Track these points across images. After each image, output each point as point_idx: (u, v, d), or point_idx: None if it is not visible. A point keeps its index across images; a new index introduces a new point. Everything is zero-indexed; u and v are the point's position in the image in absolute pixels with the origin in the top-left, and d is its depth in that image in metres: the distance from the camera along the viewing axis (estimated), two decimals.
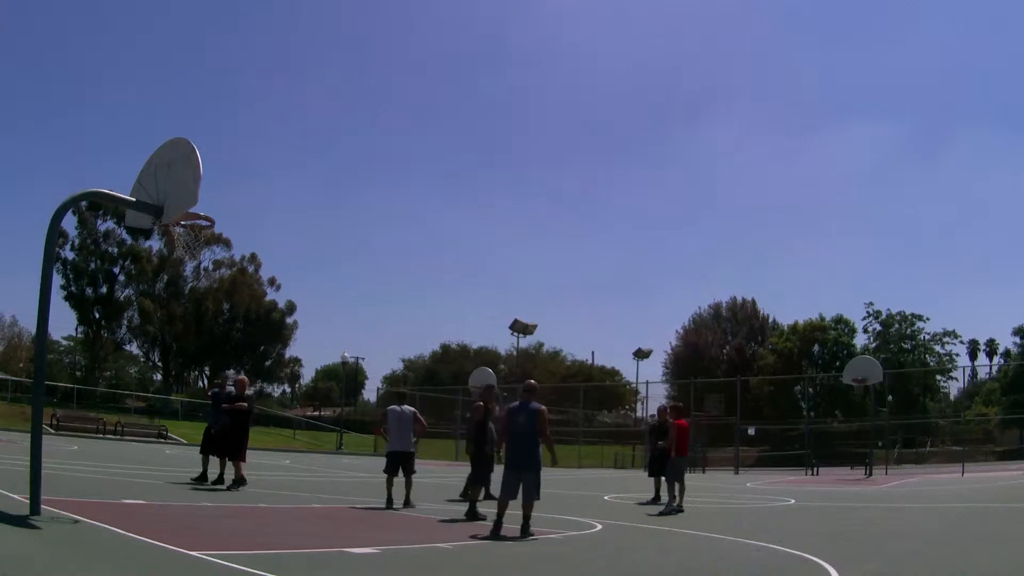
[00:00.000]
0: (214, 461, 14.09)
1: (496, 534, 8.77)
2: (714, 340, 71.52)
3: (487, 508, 12.56)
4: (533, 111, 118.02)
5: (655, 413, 18.24)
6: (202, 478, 13.77)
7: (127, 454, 22.41)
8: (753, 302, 73.24)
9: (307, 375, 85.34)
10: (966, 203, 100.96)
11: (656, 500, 15.26)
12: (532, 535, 8.89)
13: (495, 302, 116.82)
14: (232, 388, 14.55)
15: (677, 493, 13.25)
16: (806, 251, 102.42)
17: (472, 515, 10.64)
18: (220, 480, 13.65)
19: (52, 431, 31.58)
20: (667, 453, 13.76)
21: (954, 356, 62.05)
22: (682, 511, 12.71)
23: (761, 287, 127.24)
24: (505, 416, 9.63)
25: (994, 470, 31.19)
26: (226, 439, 13.63)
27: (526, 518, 9.02)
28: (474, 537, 8.78)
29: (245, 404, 13.78)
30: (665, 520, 11.69)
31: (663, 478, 15.53)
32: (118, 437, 34.49)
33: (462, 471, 25.60)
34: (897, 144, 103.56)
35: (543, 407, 9.48)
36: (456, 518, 10.93)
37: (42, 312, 8.74)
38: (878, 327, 63.38)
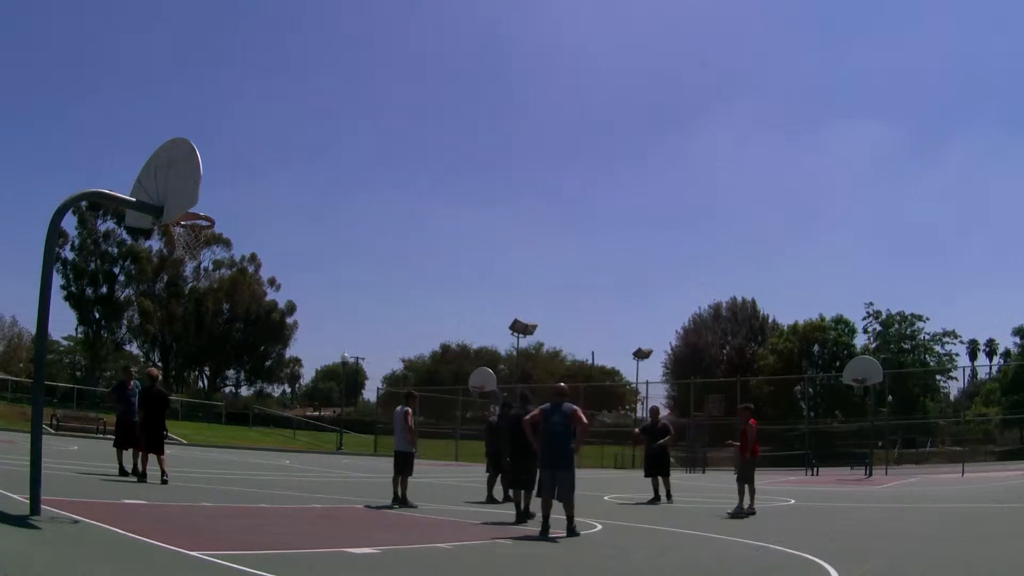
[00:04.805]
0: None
1: (545, 535, 8.91)
2: (714, 340, 71.53)
3: (505, 509, 12.59)
4: (533, 111, 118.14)
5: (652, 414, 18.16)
6: (123, 472, 13.49)
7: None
8: (753, 302, 73.32)
9: (307, 375, 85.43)
10: (966, 203, 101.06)
11: (656, 500, 15.24)
12: (578, 533, 9.06)
13: (495, 302, 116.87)
14: (137, 381, 14.41)
15: (748, 495, 12.74)
16: (806, 251, 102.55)
17: (522, 517, 10.57)
18: (139, 474, 13.20)
19: (52, 431, 31.57)
20: (741, 454, 13.25)
21: (954, 356, 62.18)
22: (754, 513, 12.39)
23: (761, 287, 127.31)
24: (538, 417, 9.70)
25: (994, 470, 31.19)
26: (147, 432, 13.23)
27: (570, 518, 9.22)
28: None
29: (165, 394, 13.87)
30: (665, 520, 11.69)
31: (661, 478, 15.53)
32: None
33: (462, 471, 25.52)
34: (897, 144, 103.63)
35: (577, 407, 9.68)
36: (456, 518, 10.93)
37: (42, 312, 8.74)
38: (878, 327, 63.46)
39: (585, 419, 9.68)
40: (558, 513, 9.30)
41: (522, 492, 10.82)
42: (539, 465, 9.66)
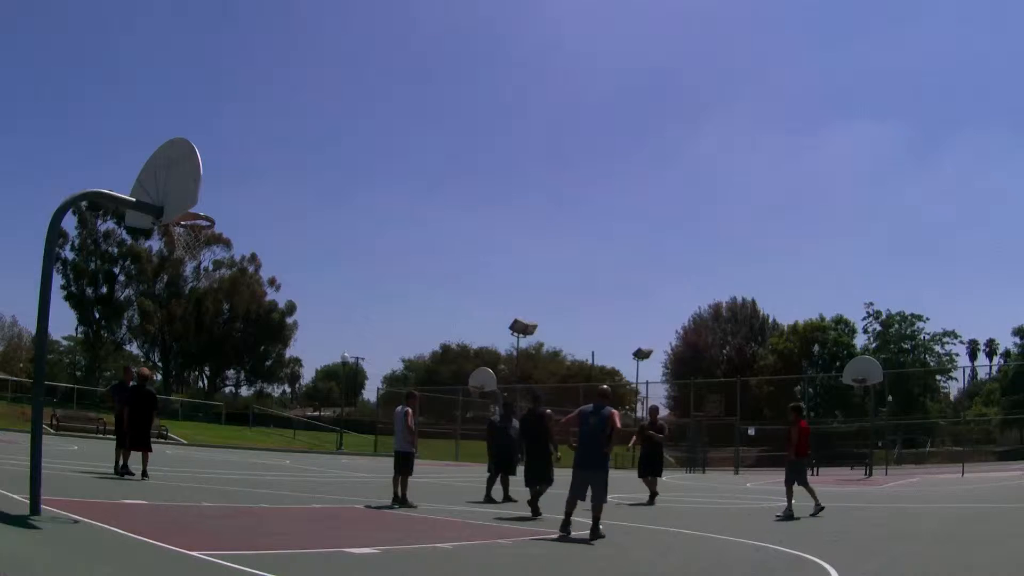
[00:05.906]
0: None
1: (565, 534, 8.88)
2: (714, 340, 71.55)
3: (504, 509, 12.60)
4: (533, 111, 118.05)
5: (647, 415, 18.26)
6: (124, 470, 13.64)
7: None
8: (753, 302, 73.31)
9: (307, 375, 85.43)
10: (966, 203, 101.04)
11: (653, 500, 15.24)
12: (602, 536, 8.96)
13: (495, 302, 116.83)
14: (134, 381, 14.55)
15: (809, 495, 12.75)
16: (806, 251, 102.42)
17: (536, 511, 10.87)
18: (117, 468, 13.53)
19: (52, 431, 31.55)
20: (788, 456, 13.20)
21: (954, 356, 62.07)
22: (823, 508, 12.38)
23: (761, 287, 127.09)
24: (576, 418, 9.70)
25: (994, 470, 31.19)
26: (135, 430, 13.49)
27: (596, 520, 9.12)
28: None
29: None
30: (665, 520, 11.69)
31: (653, 477, 15.55)
32: None
33: (462, 471, 25.50)
34: (897, 144, 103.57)
35: (615, 411, 9.61)
36: (456, 518, 10.93)
37: (42, 312, 8.74)
38: (878, 327, 63.36)
39: (619, 423, 9.64)
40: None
41: (528, 489, 11.00)
42: (573, 464, 9.62)
